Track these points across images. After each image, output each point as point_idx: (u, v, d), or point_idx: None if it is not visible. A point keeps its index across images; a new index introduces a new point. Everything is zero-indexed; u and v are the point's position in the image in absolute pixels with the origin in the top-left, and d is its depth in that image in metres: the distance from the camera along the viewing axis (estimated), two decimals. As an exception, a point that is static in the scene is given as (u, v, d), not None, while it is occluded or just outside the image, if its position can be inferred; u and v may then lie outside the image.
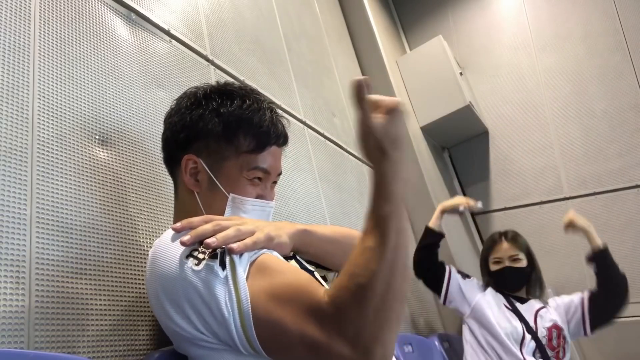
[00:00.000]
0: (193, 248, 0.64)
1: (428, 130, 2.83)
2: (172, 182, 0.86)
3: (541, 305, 1.82)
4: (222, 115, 0.79)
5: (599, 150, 2.72)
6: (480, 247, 2.99)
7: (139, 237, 0.88)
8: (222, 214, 0.78)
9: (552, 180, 2.82)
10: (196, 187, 0.80)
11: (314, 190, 1.62)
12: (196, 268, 0.62)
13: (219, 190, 0.79)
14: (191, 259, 0.63)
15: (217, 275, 0.61)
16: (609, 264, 1.75)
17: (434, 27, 3.31)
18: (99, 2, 1.01)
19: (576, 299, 1.83)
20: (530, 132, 2.94)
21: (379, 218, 0.58)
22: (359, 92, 0.60)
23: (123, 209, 0.86)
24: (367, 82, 0.60)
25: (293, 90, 1.77)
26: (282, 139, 0.84)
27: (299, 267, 0.77)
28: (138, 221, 0.89)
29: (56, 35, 0.87)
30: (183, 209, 0.81)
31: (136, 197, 0.91)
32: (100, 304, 0.75)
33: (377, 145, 0.60)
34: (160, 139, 0.86)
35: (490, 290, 1.86)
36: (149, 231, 0.91)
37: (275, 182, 0.87)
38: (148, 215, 0.92)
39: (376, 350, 0.53)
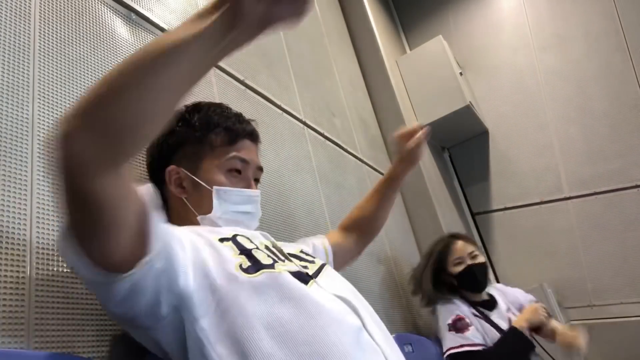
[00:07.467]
0: None
1: (428, 130, 2.83)
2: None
3: (505, 306, 1.73)
4: (191, 123, 0.85)
5: (599, 150, 2.72)
6: (480, 247, 3.00)
7: (139, 237, 0.88)
8: (212, 210, 0.81)
9: (552, 180, 2.82)
10: (183, 193, 0.84)
11: (314, 190, 1.61)
12: None
13: (203, 188, 0.82)
14: None
15: None
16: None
17: (434, 27, 3.31)
18: (99, 2, 1.01)
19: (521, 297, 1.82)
20: (530, 132, 2.94)
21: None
22: None
23: (123, 209, 0.86)
24: None
25: (293, 90, 1.77)
26: (253, 134, 0.89)
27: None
28: (138, 221, 0.89)
29: (56, 35, 0.87)
30: (178, 217, 0.83)
31: (136, 197, 0.91)
32: (100, 304, 0.75)
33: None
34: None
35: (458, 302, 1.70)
36: (149, 231, 0.91)
37: (257, 180, 0.90)
38: (148, 215, 0.92)
39: (69, 121, 0.48)
